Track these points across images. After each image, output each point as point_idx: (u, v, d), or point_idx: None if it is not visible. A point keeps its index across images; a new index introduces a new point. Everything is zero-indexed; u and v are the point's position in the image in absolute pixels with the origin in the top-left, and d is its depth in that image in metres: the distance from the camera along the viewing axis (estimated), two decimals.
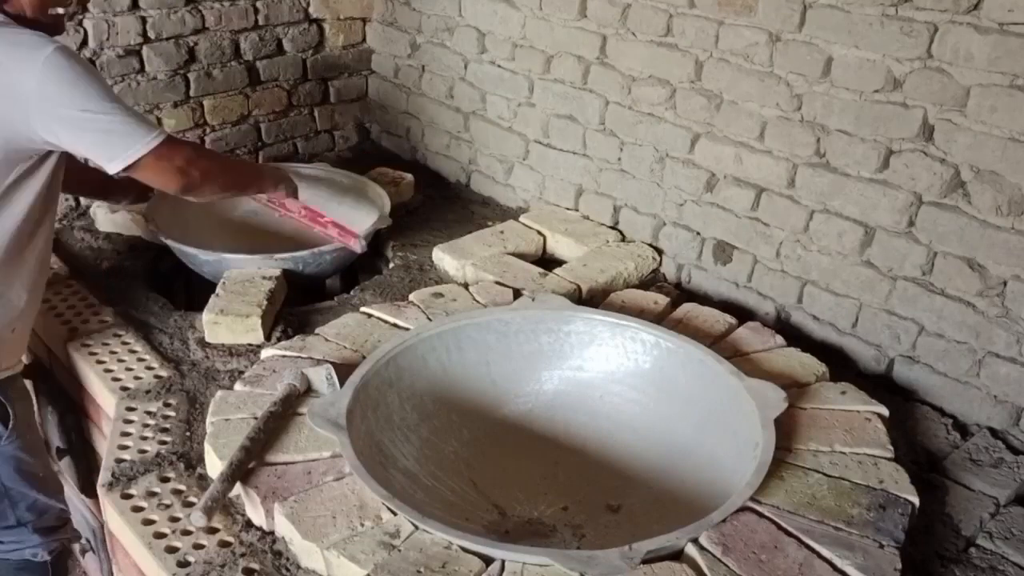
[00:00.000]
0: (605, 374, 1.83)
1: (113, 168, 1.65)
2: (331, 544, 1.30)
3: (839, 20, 1.77)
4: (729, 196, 2.07)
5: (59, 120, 1.59)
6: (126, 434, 1.64)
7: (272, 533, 1.40)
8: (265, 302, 1.91)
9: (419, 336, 1.76)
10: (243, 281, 1.99)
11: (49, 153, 1.68)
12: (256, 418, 1.53)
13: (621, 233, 2.35)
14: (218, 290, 1.96)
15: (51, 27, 1.74)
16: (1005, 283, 1.67)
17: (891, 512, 1.38)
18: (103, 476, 1.54)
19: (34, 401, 2.22)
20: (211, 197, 1.88)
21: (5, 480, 1.78)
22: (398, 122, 2.98)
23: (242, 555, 1.37)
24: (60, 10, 1.73)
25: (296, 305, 2.06)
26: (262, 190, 2.06)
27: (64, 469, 2.22)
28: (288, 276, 2.07)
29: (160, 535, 1.41)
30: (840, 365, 1.87)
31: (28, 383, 2.18)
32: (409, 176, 2.64)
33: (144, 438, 1.63)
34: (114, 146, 1.63)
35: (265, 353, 1.77)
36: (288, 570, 1.35)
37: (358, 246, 2.12)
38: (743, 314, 2.01)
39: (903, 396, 1.84)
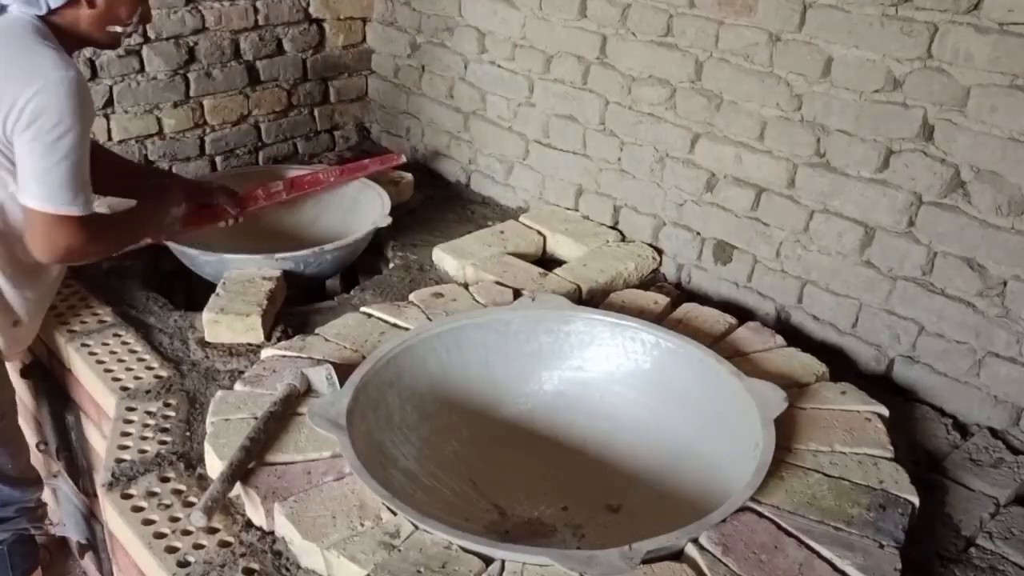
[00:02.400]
0: (605, 374, 1.83)
1: (20, 199, 1.65)
2: (331, 544, 1.30)
3: (839, 20, 1.77)
4: (729, 196, 2.07)
5: (22, 132, 1.58)
6: (126, 434, 1.64)
7: (272, 533, 1.40)
8: (265, 302, 1.91)
9: (419, 336, 1.76)
10: (243, 281, 1.99)
11: None
12: (256, 418, 1.53)
13: (621, 233, 2.35)
14: (218, 290, 1.96)
15: (105, 44, 1.77)
16: (1005, 283, 1.67)
17: (891, 512, 1.38)
18: (103, 476, 1.54)
19: (28, 402, 2.22)
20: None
21: None
22: (398, 122, 2.98)
23: (242, 555, 1.37)
24: (118, 28, 1.73)
25: (296, 305, 2.06)
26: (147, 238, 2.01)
27: (64, 469, 2.22)
28: (288, 276, 2.07)
29: (160, 535, 1.41)
30: (840, 365, 1.87)
31: (28, 382, 2.19)
32: (409, 176, 2.63)
33: (144, 438, 1.63)
34: (33, 187, 1.61)
35: (265, 353, 1.77)
36: (288, 570, 1.35)
37: (403, 158, 2.48)
38: (743, 314, 2.01)
39: (903, 396, 1.84)
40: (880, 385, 1.85)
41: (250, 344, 1.88)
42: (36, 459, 2.33)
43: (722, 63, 2.00)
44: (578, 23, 2.28)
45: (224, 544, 1.39)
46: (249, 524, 1.43)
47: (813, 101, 1.86)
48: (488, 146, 2.67)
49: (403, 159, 2.49)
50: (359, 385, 1.60)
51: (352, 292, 2.15)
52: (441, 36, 2.70)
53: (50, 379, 2.11)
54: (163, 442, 1.62)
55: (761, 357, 1.78)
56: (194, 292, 2.25)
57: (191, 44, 2.57)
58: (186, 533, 1.41)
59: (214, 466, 1.50)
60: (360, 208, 2.41)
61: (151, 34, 2.48)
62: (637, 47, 2.16)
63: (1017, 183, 1.60)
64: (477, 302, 1.95)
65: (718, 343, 1.83)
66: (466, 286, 2.03)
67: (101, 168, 1.94)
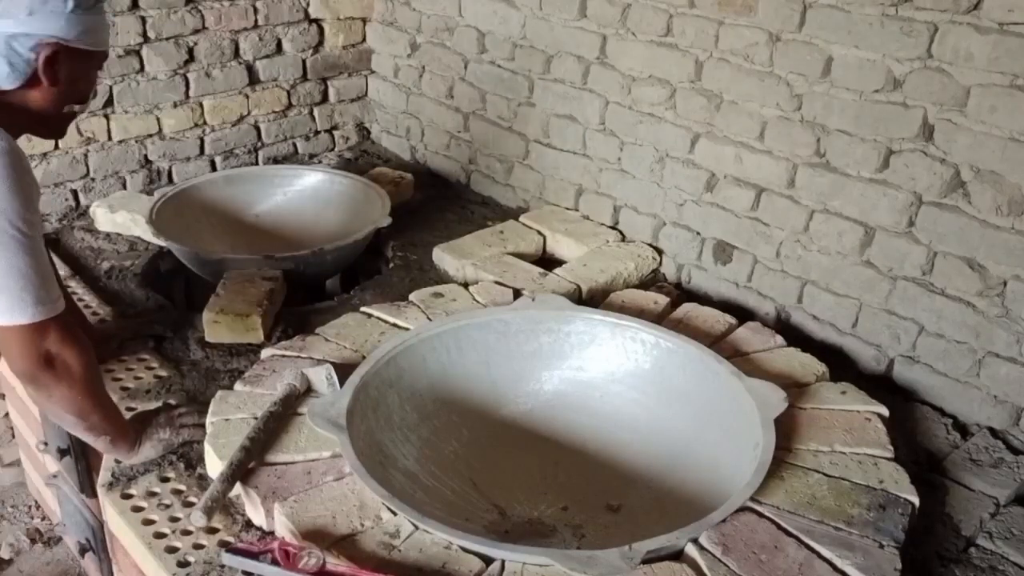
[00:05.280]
0: (605, 374, 1.83)
1: None
2: (331, 544, 1.30)
3: (839, 20, 1.77)
4: (729, 196, 2.07)
5: None
6: None
7: (272, 533, 1.40)
8: (265, 302, 1.91)
9: (419, 336, 1.76)
10: (243, 281, 1.99)
11: None
12: (256, 418, 1.53)
13: (621, 233, 2.35)
14: (218, 290, 1.96)
15: (55, 127, 1.53)
16: (1005, 283, 1.67)
17: (891, 512, 1.38)
18: (103, 476, 1.54)
19: (29, 402, 2.21)
20: (55, 407, 1.45)
21: None
22: (398, 122, 2.98)
23: None
24: (76, 107, 1.51)
25: (296, 305, 2.06)
26: (108, 447, 1.55)
27: (64, 469, 2.22)
28: (288, 276, 2.07)
29: (160, 535, 1.41)
30: (840, 365, 1.87)
31: None
32: (409, 176, 2.64)
33: None
34: None
35: (265, 353, 1.77)
36: None
37: None
38: (743, 314, 2.01)
39: (903, 396, 1.84)
40: (880, 385, 1.85)
41: (250, 344, 1.88)
42: (36, 459, 2.34)
43: (722, 63, 2.00)
44: (578, 23, 2.28)
45: (224, 544, 1.39)
46: (249, 524, 1.43)
47: (813, 101, 1.86)
48: (488, 146, 2.67)
49: None
50: (359, 385, 1.60)
51: (352, 292, 2.15)
52: (441, 36, 2.70)
53: None
54: None
55: (761, 357, 1.78)
56: (194, 292, 2.26)
57: (191, 44, 2.57)
58: (186, 533, 1.41)
59: (214, 466, 1.50)
60: (360, 208, 2.41)
61: (151, 34, 2.48)
62: (637, 47, 2.16)
63: (1017, 183, 1.60)
64: (477, 302, 1.95)
65: (718, 343, 1.83)
66: (466, 286, 2.03)
67: None
